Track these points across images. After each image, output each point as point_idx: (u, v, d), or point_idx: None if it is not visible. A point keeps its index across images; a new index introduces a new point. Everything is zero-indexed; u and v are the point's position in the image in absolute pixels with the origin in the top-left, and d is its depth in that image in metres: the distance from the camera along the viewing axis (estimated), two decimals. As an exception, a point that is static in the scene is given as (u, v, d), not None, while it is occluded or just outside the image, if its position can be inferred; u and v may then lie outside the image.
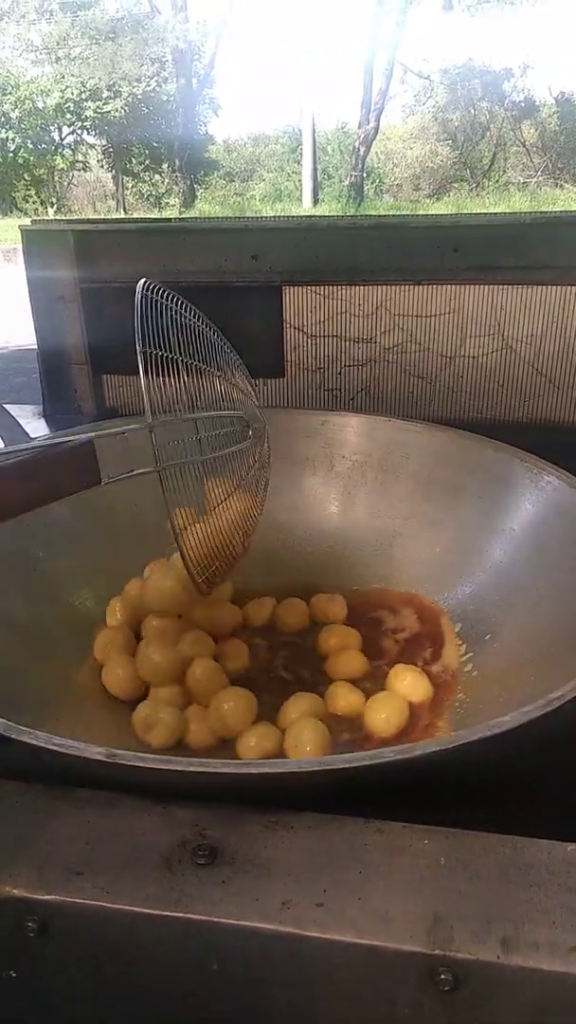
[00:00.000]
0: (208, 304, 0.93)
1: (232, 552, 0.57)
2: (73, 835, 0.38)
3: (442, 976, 0.33)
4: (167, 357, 0.50)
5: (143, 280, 0.51)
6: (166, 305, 0.51)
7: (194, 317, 0.55)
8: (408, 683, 0.57)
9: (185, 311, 0.54)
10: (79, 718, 0.55)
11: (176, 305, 0.53)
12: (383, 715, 0.54)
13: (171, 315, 0.52)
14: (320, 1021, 0.36)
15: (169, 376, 0.50)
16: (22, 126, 12.39)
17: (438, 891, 0.36)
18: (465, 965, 0.33)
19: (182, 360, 0.52)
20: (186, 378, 0.52)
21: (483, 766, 0.41)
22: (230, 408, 0.57)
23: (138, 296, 0.50)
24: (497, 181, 14.16)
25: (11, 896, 0.35)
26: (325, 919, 0.34)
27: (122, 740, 0.53)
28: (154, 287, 0.51)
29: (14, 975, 0.37)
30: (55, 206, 13.61)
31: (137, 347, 0.48)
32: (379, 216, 1.00)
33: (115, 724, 0.56)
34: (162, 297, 0.51)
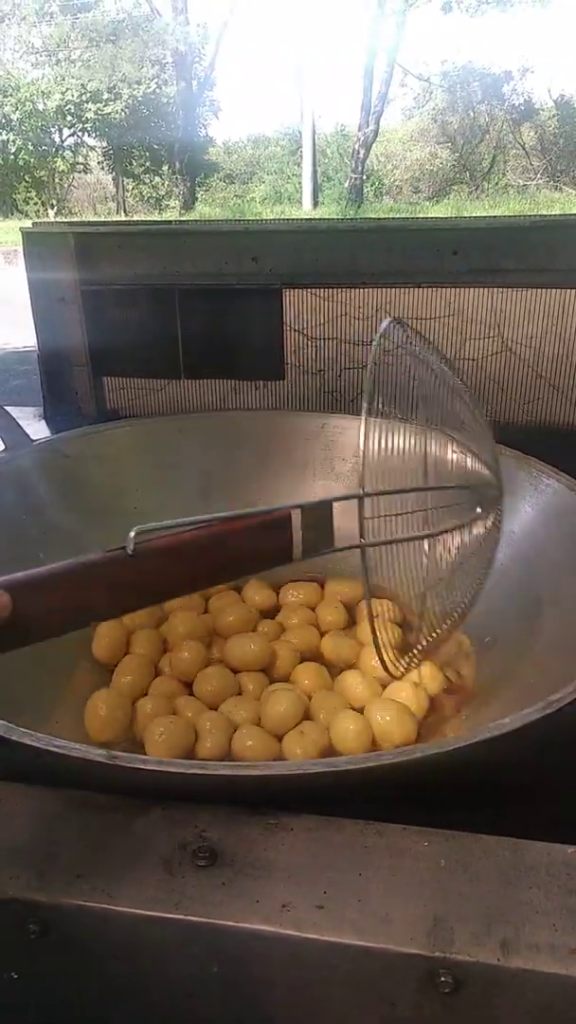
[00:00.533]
0: (208, 307, 0.94)
1: (437, 640, 0.49)
2: (74, 837, 0.38)
3: (442, 978, 0.33)
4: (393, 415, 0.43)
5: (387, 321, 0.44)
6: (403, 350, 0.45)
7: (439, 366, 0.47)
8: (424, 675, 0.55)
9: (429, 355, 0.47)
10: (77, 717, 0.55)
11: (419, 347, 0.46)
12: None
13: (408, 360, 0.45)
14: (321, 1023, 0.36)
15: (390, 433, 0.44)
16: (23, 128, 12.40)
17: (438, 893, 0.36)
18: (465, 967, 0.33)
19: (410, 420, 0.45)
20: (410, 439, 0.45)
21: (483, 768, 0.41)
22: (461, 476, 0.48)
23: (375, 343, 0.43)
24: (496, 184, 14.18)
25: (12, 898, 0.35)
26: (325, 921, 0.34)
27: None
28: (397, 330, 0.44)
29: (16, 977, 0.37)
30: (55, 208, 13.62)
31: (364, 406, 0.42)
32: (379, 219, 1.00)
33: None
34: (402, 341, 0.45)
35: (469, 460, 0.48)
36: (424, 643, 0.48)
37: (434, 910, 0.35)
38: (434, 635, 0.48)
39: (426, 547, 0.46)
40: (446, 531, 0.46)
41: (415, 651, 0.47)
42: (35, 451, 0.74)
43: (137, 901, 0.35)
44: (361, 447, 0.41)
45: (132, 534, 0.38)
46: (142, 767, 0.36)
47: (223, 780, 0.38)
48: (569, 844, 0.38)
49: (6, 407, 0.75)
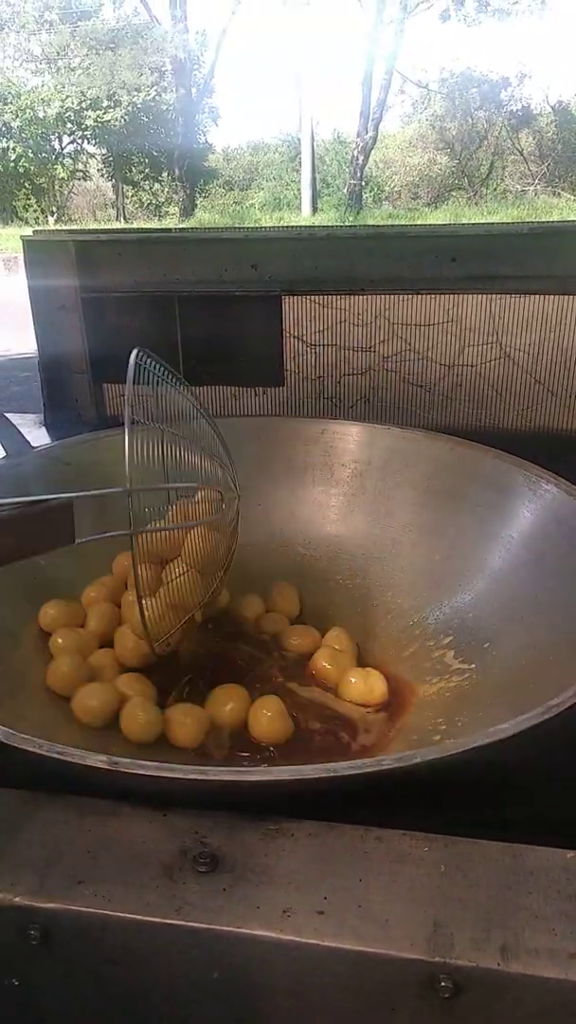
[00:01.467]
0: (208, 314, 0.94)
1: (190, 619, 0.59)
2: (75, 843, 0.38)
3: (442, 983, 0.33)
4: (153, 427, 0.53)
5: (136, 350, 0.53)
6: (156, 374, 0.54)
7: (181, 389, 0.57)
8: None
9: (173, 382, 0.56)
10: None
11: (165, 376, 0.55)
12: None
13: (159, 382, 0.55)
14: (321, 1029, 0.36)
15: (151, 443, 0.53)
16: (23, 135, 12.44)
17: (438, 898, 0.36)
18: (465, 972, 0.33)
19: (165, 430, 0.55)
20: (167, 448, 0.55)
21: (482, 773, 0.41)
22: (205, 478, 0.59)
23: (131, 364, 0.52)
24: (495, 189, 14.23)
25: (13, 904, 0.36)
26: (326, 927, 0.35)
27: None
28: (145, 357, 0.53)
29: (16, 983, 0.38)
30: (56, 215, 13.66)
31: (126, 414, 0.50)
32: (378, 226, 1.01)
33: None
34: (153, 366, 0.54)
35: (207, 462, 0.59)
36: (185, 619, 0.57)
37: (434, 915, 0.35)
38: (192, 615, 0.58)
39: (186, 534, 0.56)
40: (198, 523, 0.57)
41: (179, 626, 0.56)
42: (35, 458, 0.74)
43: (138, 907, 0.35)
44: (126, 451, 0.49)
45: None
46: (142, 772, 0.36)
47: (223, 785, 0.38)
48: (568, 849, 0.38)
49: (6, 414, 0.75)
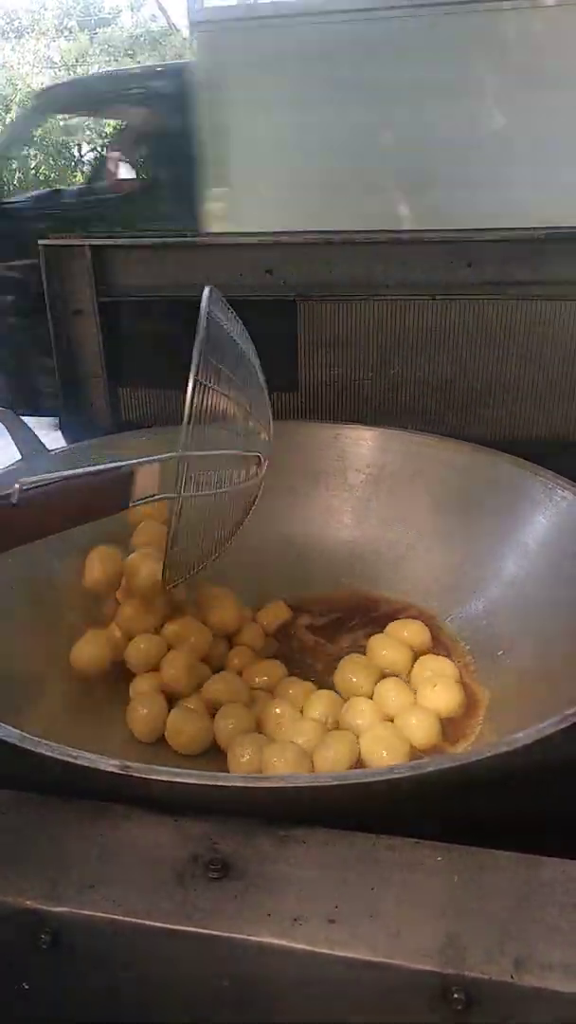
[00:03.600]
0: (223, 318, 0.94)
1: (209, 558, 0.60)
2: (87, 848, 0.38)
3: (455, 995, 0.33)
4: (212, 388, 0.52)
5: (208, 288, 0.53)
6: (222, 322, 0.54)
7: (243, 338, 0.57)
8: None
9: (237, 327, 0.57)
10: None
11: (231, 321, 0.55)
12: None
13: (225, 334, 0.54)
14: (332, 1039, 0.36)
15: (205, 397, 0.52)
16: (43, 143, 12.54)
17: (451, 909, 0.35)
18: (478, 985, 0.33)
19: (223, 392, 0.54)
20: (218, 404, 0.54)
21: (497, 782, 0.41)
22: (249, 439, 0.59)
23: (202, 315, 0.52)
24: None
25: (24, 908, 0.36)
26: (337, 936, 0.34)
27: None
28: (217, 298, 0.53)
29: (27, 987, 0.38)
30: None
31: (191, 377, 0.50)
32: (394, 231, 1.01)
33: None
34: (221, 311, 0.54)
35: (257, 427, 0.59)
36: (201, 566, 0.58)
37: (447, 926, 0.35)
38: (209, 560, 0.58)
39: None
40: (240, 485, 0.57)
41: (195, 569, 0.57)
42: (51, 461, 0.74)
43: (149, 913, 0.35)
44: (186, 412, 0.49)
45: (16, 486, 0.44)
46: (154, 778, 0.36)
47: (236, 792, 0.38)
48: (584, 860, 0.37)
49: (22, 416, 0.76)
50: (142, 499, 0.52)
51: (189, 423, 0.50)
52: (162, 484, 0.53)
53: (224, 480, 0.56)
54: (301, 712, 0.57)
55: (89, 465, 0.49)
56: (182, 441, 0.49)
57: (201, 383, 0.50)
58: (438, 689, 0.56)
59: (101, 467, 0.50)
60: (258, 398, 0.59)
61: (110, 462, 0.51)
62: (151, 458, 0.51)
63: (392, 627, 0.65)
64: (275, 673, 0.62)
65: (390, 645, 0.63)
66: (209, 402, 0.52)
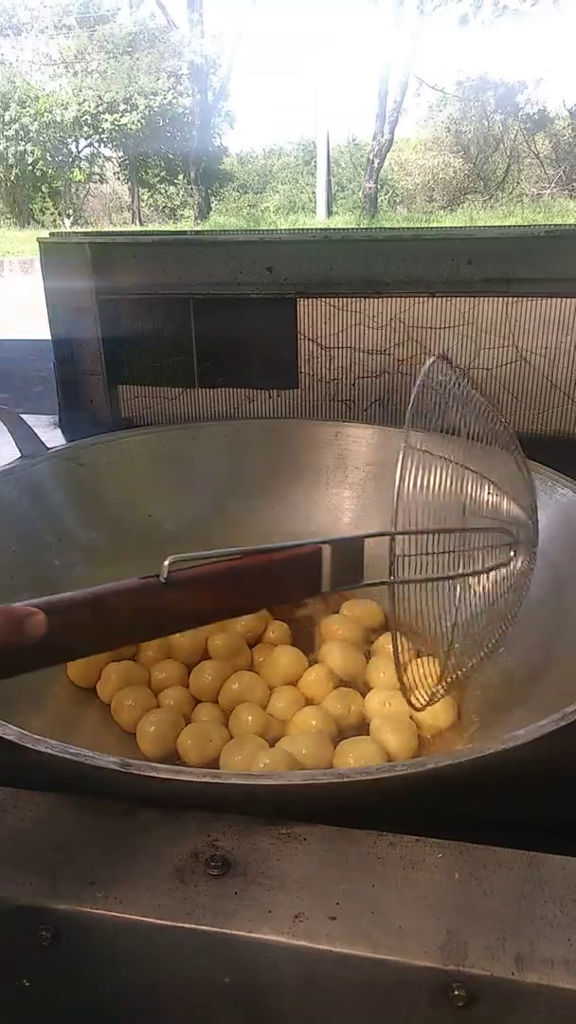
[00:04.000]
0: (223, 316, 0.94)
1: (462, 677, 0.49)
2: (87, 844, 0.38)
3: (456, 992, 0.33)
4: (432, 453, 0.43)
5: (432, 359, 0.45)
6: (447, 387, 0.45)
7: (473, 404, 0.47)
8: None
9: (465, 396, 0.46)
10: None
11: (457, 388, 0.46)
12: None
13: (449, 397, 0.45)
14: (332, 1036, 0.36)
15: (426, 471, 0.43)
16: (40, 139, 12.53)
17: (452, 906, 0.35)
18: (479, 981, 0.33)
19: (446, 459, 0.45)
20: (447, 478, 0.45)
21: (497, 779, 0.41)
22: (493, 518, 0.47)
23: (419, 381, 0.43)
24: (511, 193, 14.17)
25: (24, 904, 0.36)
26: (338, 933, 0.34)
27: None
28: (440, 367, 0.44)
29: (28, 984, 0.38)
30: (71, 218, 13.74)
31: (405, 436, 0.42)
32: (394, 228, 1.01)
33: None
34: (445, 377, 0.45)
35: (504, 502, 0.48)
36: (448, 680, 0.47)
37: (448, 923, 0.35)
38: (458, 674, 0.48)
39: (456, 587, 0.46)
40: (476, 573, 0.46)
41: (439, 687, 0.47)
42: (51, 459, 0.74)
43: (149, 909, 0.35)
44: (396, 483, 0.42)
45: (166, 563, 0.38)
46: (155, 775, 0.36)
47: (236, 790, 0.37)
48: (585, 857, 0.37)
49: (22, 415, 0.76)
50: (341, 585, 0.43)
51: (398, 496, 0.41)
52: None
53: (465, 566, 0.44)
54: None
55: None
56: (392, 516, 0.41)
57: (412, 447, 0.42)
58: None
59: (283, 544, 0.42)
60: (508, 471, 0.49)
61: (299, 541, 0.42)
62: (352, 535, 0.43)
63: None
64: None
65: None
66: (431, 471, 0.43)
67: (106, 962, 0.36)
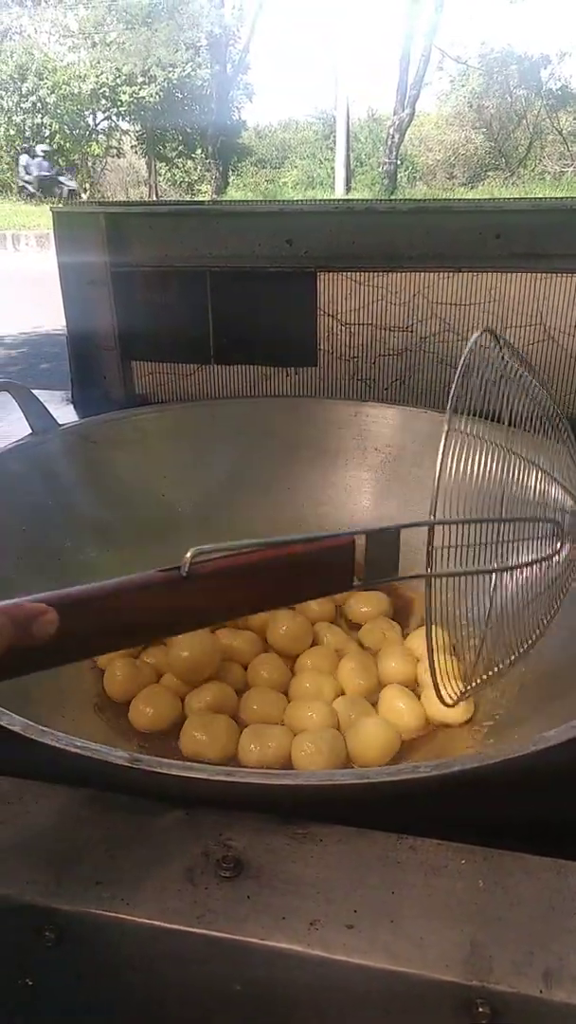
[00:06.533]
0: (240, 290, 0.92)
1: (498, 674, 0.46)
2: (94, 841, 0.37)
3: (479, 1008, 0.31)
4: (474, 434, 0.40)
5: (479, 332, 0.42)
6: (496, 365, 0.42)
7: (526, 383, 0.44)
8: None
9: (518, 377, 0.44)
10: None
11: (507, 367, 0.43)
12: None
13: (497, 376, 0.42)
14: (348, 1049, 0.34)
15: (470, 454, 0.40)
16: (58, 111, 12.40)
17: (476, 916, 0.33)
18: (504, 998, 0.31)
19: (493, 444, 0.42)
20: (492, 463, 0.42)
21: (526, 783, 0.39)
22: (541, 508, 0.44)
23: (464, 357, 0.41)
24: (532, 170, 13.89)
25: (29, 904, 0.34)
26: (355, 942, 0.32)
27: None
28: (489, 343, 0.42)
29: (31, 983, 0.36)
30: (88, 192, 13.63)
31: (447, 416, 0.39)
32: (419, 200, 0.97)
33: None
34: (496, 355, 0.42)
35: (553, 489, 0.45)
36: (484, 677, 0.45)
37: (471, 935, 0.33)
38: (495, 670, 0.45)
39: (494, 580, 0.43)
40: (519, 567, 0.43)
41: (473, 683, 0.45)
42: (62, 436, 0.72)
43: (156, 912, 0.34)
44: (437, 470, 0.39)
45: (188, 555, 0.35)
46: (164, 772, 0.34)
47: (251, 788, 0.36)
48: (618, 867, 0.35)
49: (34, 390, 0.74)
50: (375, 579, 0.40)
51: (438, 484, 0.38)
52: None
53: (503, 558, 0.42)
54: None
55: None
56: (432, 505, 0.39)
57: (456, 430, 0.39)
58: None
59: (311, 535, 0.39)
60: (557, 457, 0.46)
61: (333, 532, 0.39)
62: (389, 526, 0.40)
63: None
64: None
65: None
66: (473, 456, 0.40)
67: (111, 965, 0.35)
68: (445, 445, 0.39)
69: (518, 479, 0.43)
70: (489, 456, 0.42)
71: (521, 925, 0.33)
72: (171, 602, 0.36)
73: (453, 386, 0.40)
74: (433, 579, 0.40)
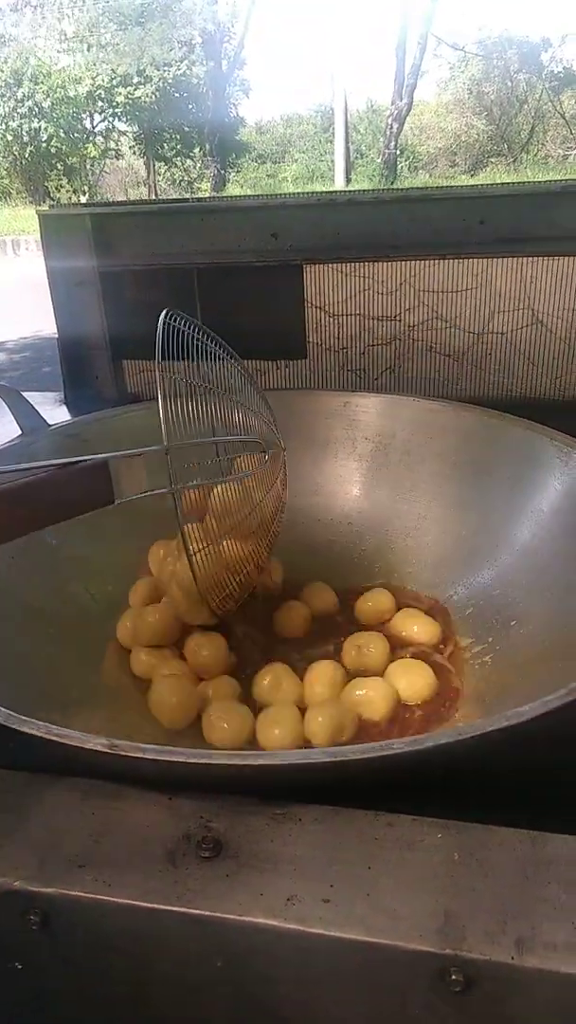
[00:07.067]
0: (227, 285, 0.92)
1: (244, 577, 0.57)
2: (77, 826, 0.38)
3: (453, 977, 0.32)
4: (187, 383, 0.52)
5: (166, 311, 0.53)
6: (188, 333, 0.53)
7: (215, 345, 0.57)
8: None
9: (206, 339, 0.56)
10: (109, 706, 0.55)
11: (198, 333, 0.55)
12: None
13: (193, 342, 0.54)
14: (327, 1021, 0.35)
15: (189, 400, 0.51)
16: (54, 115, 12.41)
17: (450, 888, 0.34)
18: (477, 966, 0.32)
19: (200, 386, 0.53)
20: (205, 405, 0.53)
21: (500, 758, 0.39)
22: (247, 433, 0.58)
23: (160, 324, 0.52)
24: (535, 155, 13.79)
25: (13, 888, 0.35)
26: (332, 916, 0.33)
27: (144, 729, 0.52)
28: (176, 316, 0.53)
29: (20, 967, 0.37)
30: (87, 194, 13.65)
31: (156, 371, 0.49)
32: (402, 189, 0.97)
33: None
34: (184, 326, 0.53)
35: (252, 419, 0.59)
36: (240, 580, 0.56)
37: (445, 905, 0.33)
38: (245, 572, 0.56)
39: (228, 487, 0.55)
40: (242, 477, 0.56)
41: (233, 589, 0.55)
42: (52, 436, 0.73)
43: (139, 892, 0.34)
44: (160, 408, 0.48)
45: None
46: (142, 756, 0.35)
47: (228, 770, 0.36)
48: (591, 837, 0.36)
49: (25, 393, 0.75)
50: (131, 496, 0.49)
51: (165, 414, 0.49)
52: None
53: (226, 471, 0.54)
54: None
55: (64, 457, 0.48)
56: (164, 433, 0.48)
57: (170, 377, 0.50)
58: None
59: (72, 459, 0.47)
60: (248, 393, 0.59)
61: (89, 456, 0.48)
62: (132, 451, 0.49)
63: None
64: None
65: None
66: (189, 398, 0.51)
67: (96, 946, 0.36)
68: (162, 389, 0.49)
69: (228, 415, 0.56)
70: (204, 398, 0.53)
71: (495, 895, 0.34)
72: None
73: (156, 344, 0.51)
74: (177, 493, 0.50)
